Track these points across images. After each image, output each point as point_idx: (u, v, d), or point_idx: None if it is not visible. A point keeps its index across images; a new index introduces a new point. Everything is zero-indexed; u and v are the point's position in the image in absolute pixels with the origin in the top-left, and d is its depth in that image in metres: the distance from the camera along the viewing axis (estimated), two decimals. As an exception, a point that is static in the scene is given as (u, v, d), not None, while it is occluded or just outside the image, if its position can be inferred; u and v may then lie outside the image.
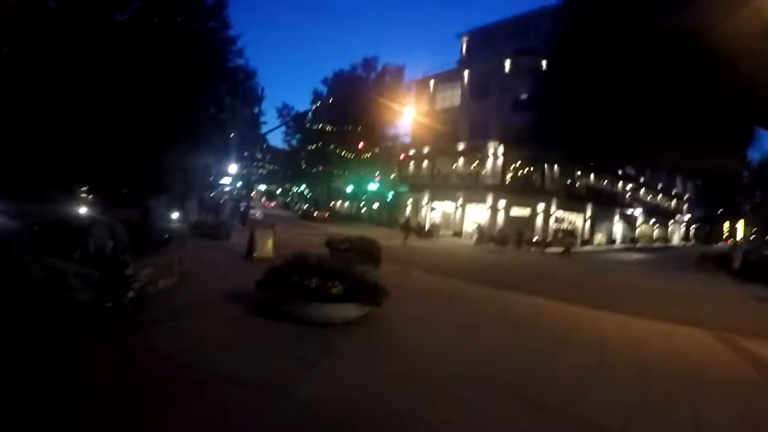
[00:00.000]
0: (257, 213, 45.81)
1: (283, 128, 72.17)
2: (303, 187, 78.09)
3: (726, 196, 65.12)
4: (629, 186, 58.73)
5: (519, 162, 48.20)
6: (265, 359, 6.70)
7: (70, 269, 8.33)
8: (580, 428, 5.40)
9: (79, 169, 29.53)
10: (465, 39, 58.57)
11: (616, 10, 14.86)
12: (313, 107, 70.06)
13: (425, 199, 55.64)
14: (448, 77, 56.19)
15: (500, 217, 47.40)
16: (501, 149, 47.87)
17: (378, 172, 62.61)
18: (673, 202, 72.21)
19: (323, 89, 69.90)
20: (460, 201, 51.29)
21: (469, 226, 49.66)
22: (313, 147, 66.19)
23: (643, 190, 61.85)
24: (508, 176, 48.38)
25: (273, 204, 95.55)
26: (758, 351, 9.76)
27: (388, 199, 62.02)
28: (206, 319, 8.40)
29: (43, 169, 28.00)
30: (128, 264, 8.26)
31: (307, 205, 75.46)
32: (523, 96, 47.92)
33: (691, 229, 77.58)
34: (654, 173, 64.09)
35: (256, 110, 50.15)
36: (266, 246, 16.93)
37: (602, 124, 16.84)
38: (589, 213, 51.15)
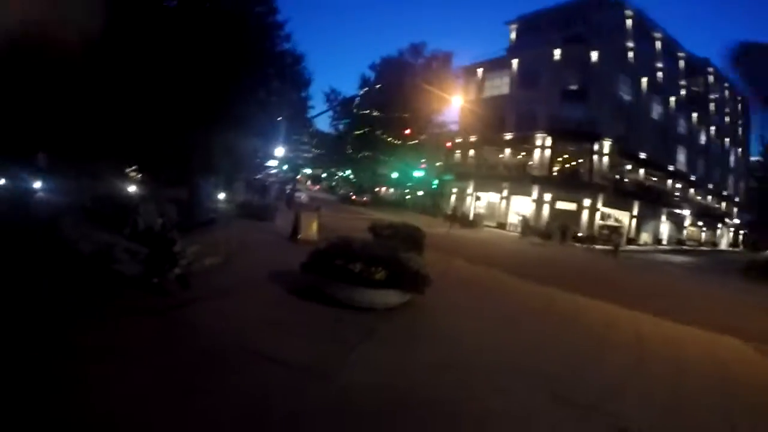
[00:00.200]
0: (302, 196, 46.19)
1: (330, 113, 72.28)
2: (348, 171, 78.26)
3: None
4: (679, 184, 56.63)
5: (566, 154, 47.20)
6: (306, 341, 6.69)
7: (119, 245, 8.51)
8: (612, 428, 5.23)
9: (130, 148, 30.26)
10: (513, 27, 57.63)
11: None
12: (361, 92, 69.98)
13: (470, 189, 55.02)
14: (496, 65, 55.31)
15: (545, 210, 46.50)
16: (548, 140, 46.90)
17: (424, 160, 62.17)
18: (723, 205, 69.21)
19: (371, 75, 69.70)
20: (505, 192, 50.53)
21: (513, 218, 48.90)
22: (360, 132, 66.13)
23: (692, 190, 59.52)
24: (555, 168, 47.39)
25: (318, 188, 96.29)
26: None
27: (433, 187, 61.59)
28: (250, 299, 8.44)
29: (96, 148, 28.80)
30: (175, 241, 8.37)
31: (348, 189, 76.25)
32: (572, 86, 46.97)
33: (739, 234, 74.06)
34: (707, 171, 61.90)
35: (303, 94, 50.46)
36: (311, 228, 16.99)
37: None
38: (636, 211, 49.60)
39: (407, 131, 57.68)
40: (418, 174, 61.39)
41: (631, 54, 49.59)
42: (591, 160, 45.44)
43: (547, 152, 47.15)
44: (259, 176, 47.99)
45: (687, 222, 59.40)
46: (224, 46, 28.33)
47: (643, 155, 48.98)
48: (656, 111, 53.28)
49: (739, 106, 71.39)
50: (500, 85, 54.45)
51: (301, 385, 5.23)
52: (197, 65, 27.19)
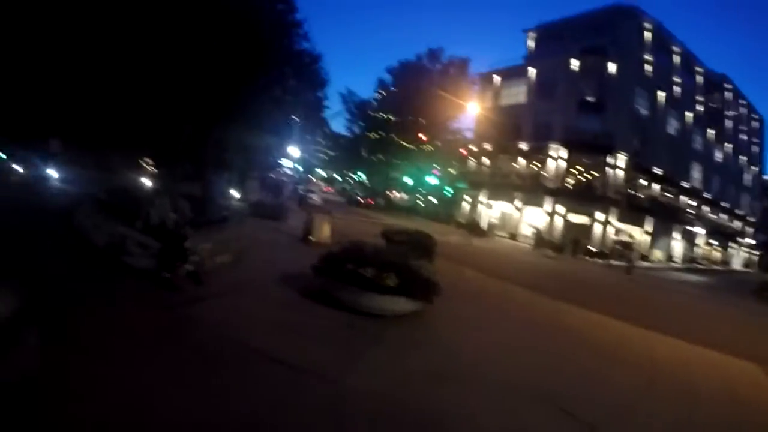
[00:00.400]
0: (315, 197, 46.24)
1: (345, 115, 72.32)
2: (361, 174, 78.32)
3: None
4: (693, 201, 55.95)
5: (581, 166, 46.85)
6: (313, 344, 6.66)
7: (132, 237, 8.54)
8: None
9: (146, 139, 30.48)
10: (532, 35, 57.15)
11: None
12: (377, 95, 70.05)
13: (483, 197, 54.76)
14: (513, 73, 54.88)
15: (558, 222, 46.14)
16: (563, 152, 46.56)
17: (437, 166, 62.07)
18: (737, 224, 68.13)
19: (387, 78, 69.68)
20: (518, 202, 50.18)
21: (525, 229, 48.57)
22: (375, 135, 66.17)
23: (706, 208, 58.67)
24: (569, 180, 47.03)
25: (331, 189, 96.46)
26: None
27: (446, 194, 61.44)
28: (259, 299, 8.42)
29: (112, 141, 29.05)
30: (187, 237, 8.37)
31: (356, 191, 76.50)
32: (589, 97, 46.64)
33: (753, 254, 72.92)
34: (722, 189, 61.18)
35: (319, 94, 50.49)
36: (323, 231, 16.97)
37: None
38: (649, 227, 49.06)
39: (422, 136, 57.60)
40: (431, 180, 61.25)
41: (648, 67, 49.11)
42: (605, 173, 44.95)
43: (562, 164, 46.72)
44: (272, 175, 48.13)
45: (700, 240, 58.69)
46: (242, 42, 28.46)
47: (657, 170, 48.38)
48: (672, 126, 52.69)
49: (757, 124, 70.62)
50: (517, 94, 54.06)
51: (303, 386, 5.21)
52: (215, 60, 27.34)
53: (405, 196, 72.98)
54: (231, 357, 5.67)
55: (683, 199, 53.82)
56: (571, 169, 46.78)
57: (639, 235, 47.99)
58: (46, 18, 22.67)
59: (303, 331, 7.12)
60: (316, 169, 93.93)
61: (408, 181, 65.79)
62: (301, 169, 52.36)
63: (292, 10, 34.40)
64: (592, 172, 46.15)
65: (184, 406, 4.36)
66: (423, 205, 66.50)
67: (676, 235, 53.57)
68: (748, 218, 69.51)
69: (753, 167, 70.74)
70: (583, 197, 45.17)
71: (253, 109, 31.03)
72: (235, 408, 4.49)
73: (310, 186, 62.67)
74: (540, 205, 47.16)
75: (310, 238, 16.59)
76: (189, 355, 5.50)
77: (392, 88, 66.99)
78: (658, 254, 50.59)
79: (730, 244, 66.53)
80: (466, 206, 57.02)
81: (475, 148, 57.26)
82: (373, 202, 63.49)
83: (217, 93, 28.00)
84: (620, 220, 45.47)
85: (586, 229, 44.35)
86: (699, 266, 54.32)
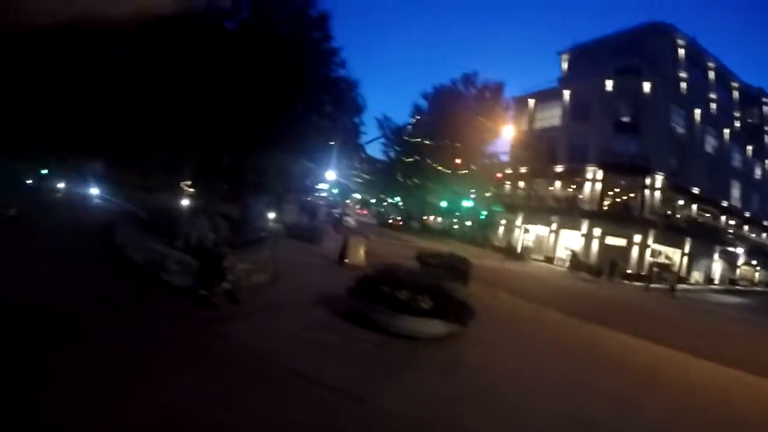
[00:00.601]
0: (350, 220, 46.51)
1: (381, 139, 72.75)
2: (397, 198, 78.55)
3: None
4: (732, 221, 54.17)
5: (617, 188, 46.12)
6: (346, 364, 6.67)
7: (171, 256, 8.72)
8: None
9: (186, 165, 31.23)
10: (565, 57, 57.08)
11: None
12: (412, 120, 70.38)
13: (519, 221, 54.28)
14: (547, 96, 54.76)
15: (594, 245, 45.36)
16: (599, 173, 45.94)
17: (473, 190, 61.89)
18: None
19: (423, 103, 70.04)
20: (554, 225, 49.54)
21: (561, 252, 47.85)
22: (410, 159, 66.45)
23: (746, 227, 56.69)
24: (605, 203, 46.30)
25: (366, 212, 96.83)
26: None
27: (482, 218, 61.14)
28: (293, 318, 8.50)
29: (153, 163, 29.86)
30: (225, 256, 8.51)
31: (388, 214, 77.42)
32: (625, 118, 46.06)
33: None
34: (762, 207, 59.17)
35: (356, 120, 51.03)
36: (358, 253, 17.04)
37: None
38: (687, 248, 47.68)
39: (457, 161, 57.54)
40: (467, 204, 61.07)
41: (684, 84, 48.30)
42: (642, 194, 44.07)
43: (598, 186, 46.04)
44: (309, 198, 48.62)
45: (740, 260, 56.77)
46: (280, 71, 29.08)
47: (695, 190, 47.24)
48: (710, 143, 51.45)
49: None
50: (551, 116, 53.84)
51: (335, 405, 5.22)
52: (254, 87, 27.96)
53: (440, 220, 72.88)
54: (263, 374, 5.72)
55: (723, 218, 52.37)
56: (607, 191, 46.14)
57: (677, 256, 46.84)
58: (93, 43, 23.60)
59: (336, 351, 7.16)
60: (352, 193, 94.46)
61: (443, 204, 65.67)
62: (337, 192, 52.67)
63: (328, 39, 35.02)
64: (629, 193, 45.42)
65: (216, 420, 4.41)
66: (458, 229, 66.24)
67: (716, 256, 52.09)
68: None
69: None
70: (620, 219, 44.42)
71: (290, 135, 31.53)
72: (262, 426, 4.53)
73: (345, 209, 63.16)
74: (576, 227, 46.48)
75: (345, 260, 16.67)
76: (222, 370, 5.58)
77: (427, 113, 67.29)
78: (696, 276, 49.24)
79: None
80: (501, 229, 56.62)
81: (510, 172, 57.01)
82: (402, 223, 64.42)
83: (256, 120, 28.60)
84: (658, 241, 44.47)
85: (624, 252, 43.49)
86: (739, 287, 52.46)
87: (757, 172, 59.15)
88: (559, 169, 49.90)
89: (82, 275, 8.21)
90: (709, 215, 50.46)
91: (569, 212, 47.38)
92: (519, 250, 48.02)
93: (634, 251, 43.59)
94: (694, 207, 48.48)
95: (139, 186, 27.41)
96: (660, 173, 43.84)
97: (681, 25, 48.95)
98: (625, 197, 45.90)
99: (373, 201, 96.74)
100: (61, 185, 22.48)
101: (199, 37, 26.65)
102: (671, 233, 45.09)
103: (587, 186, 46.71)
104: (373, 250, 18.61)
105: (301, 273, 13.28)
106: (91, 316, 6.23)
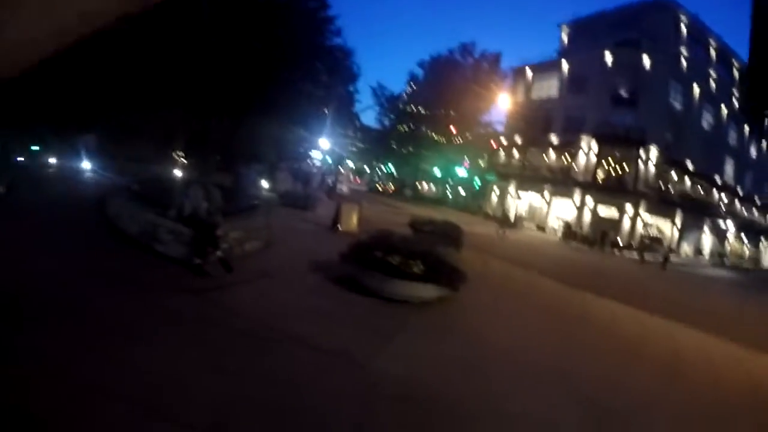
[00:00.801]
0: (343, 188, 46.46)
1: (376, 108, 72.27)
2: (391, 166, 78.44)
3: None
4: (725, 196, 54.36)
5: (611, 159, 46.14)
6: (341, 329, 6.78)
7: (164, 226, 8.75)
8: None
9: (178, 134, 30.99)
10: (565, 29, 56.54)
11: None
12: (408, 89, 69.98)
13: (512, 190, 54.42)
14: (546, 67, 54.29)
15: (587, 215, 45.63)
16: (594, 145, 45.95)
17: (467, 158, 61.87)
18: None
19: (419, 71, 69.61)
20: (548, 195, 49.75)
21: (554, 221, 48.18)
22: (405, 128, 66.24)
23: (738, 203, 56.92)
24: (599, 173, 46.39)
25: (359, 181, 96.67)
26: None
27: (476, 186, 61.24)
28: (287, 284, 8.60)
29: (144, 133, 29.60)
30: (219, 225, 8.54)
31: (376, 179, 79.35)
32: (623, 91, 45.89)
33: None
34: (756, 185, 59.41)
35: (351, 88, 50.61)
36: (351, 220, 17.11)
37: None
38: (678, 221, 48.00)
39: (452, 129, 57.40)
40: (461, 172, 61.08)
41: (683, 60, 48.11)
42: (636, 166, 44.11)
43: (592, 157, 46.07)
44: (302, 166, 48.50)
45: (730, 235, 57.20)
46: (275, 39, 28.71)
47: (689, 164, 47.44)
48: (707, 120, 51.41)
49: None
50: (549, 87, 53.50)
51: (331, 369, 5.33)
52: (247, 55, 27.63)
53: (434, 188, 72.96)
54: (259, 340, 5.80)
55: (715, 193, 52.56)
56: (601, 162, 46.15)
57: (668, 229, 47.16)
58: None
59: (331, 316, 7.27)
60: (346, 161, 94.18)
61: (437, 172, 65.70)
62: (331, 160, 52.54)
63: (324, 7, 34.55)
64: (623, 164, 45.46)
65: (211, 383, 4.51)
66: (451, 197, 66.39)
67: (706, 230, 52.43)
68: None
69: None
70: (613, 190, 44.58)
71: (284, 103, 31.28)
72: (259, 389, 4.61)
73: (338, 177, 63.19)
74: (569, 197, 46.71)
75: (338, 227, 16.75)
76: (217, 337, 5.68)
77: (423, 82, 66.86)
78: (686, 248, 49.62)
79: (761, 240, 64.61)
80: (494, 198, 56.76)
81: (505, 141, 56.92)
82: (391, 190, 65.43)
83: (250, 88, 28.31)
84: (650, 213, 44.73)
85: (615, 222, 43.78)
86: (727, 262, 52.88)
87: (752, 151, 59.24)
88: (554, 139, 49.82)
89: (75, 249, 8.21)
90: (702, 190, 50.61)
91: (563, 182, 47.53)
92: (512, 218, 48.15)
93: (626, 222, 43.88)
94: (688, 181, 48.62)
95: (132, 158, 27.21)
96: (655, 146, 43.87)
97: (684, 2, 48.28)
98: (618, 168, 45.92)
99: (367, 169, 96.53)
100: (53, 161, 22.27)
101: (193, 3, 26.20)
102: (663, 206, 45.31)
103: (581, 157, 46.73)
104: (365, 217, 18.65)
105: (295, 240, 13.36)
106: (85, 290, 6.26)
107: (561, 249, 33.45)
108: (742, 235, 59.04)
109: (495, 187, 57.15)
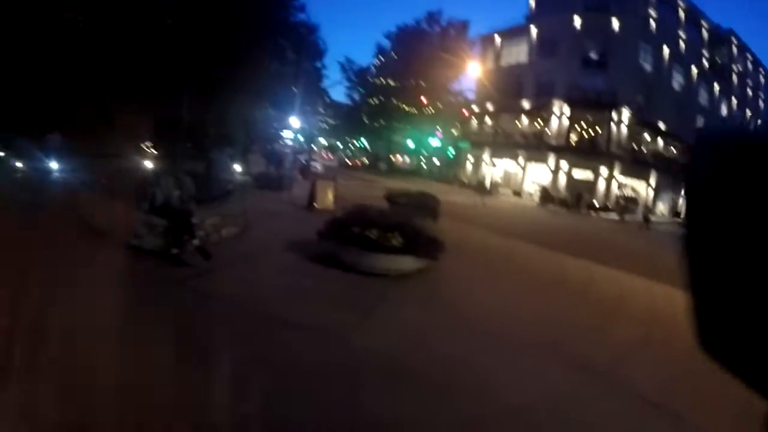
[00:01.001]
0: (317, 165, 46.22)
1: (345, 83, 71.59)
2: (364, 141, 78.09)
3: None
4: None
5: (584, 123, 46.50)
6: (322, 306, 6.85)
7: (137, 219, 8.67)
8: (627, 394, 5.26)
9: (146, 125, 30.47)
10: (534, -6, 56.35)
11: None
12: (376, 61, 69.38)
13: (486, 157, 54.63)
14: (514, 33, 54.08)
15: (562, 178, 46.12)
16: (566, 109, 46.23)
17: (439, 128, 61.82)
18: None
19: (386, 43, 68.88)
20: (522, 160, 50.07)
21: (529, 186, 48.62)
22: (375, 101, 65.82)
23: None
24: (572, 137, 46.77)
25: (333, 157, 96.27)
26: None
27: (449, 155, 61.33)
28: (266, 266, 8.62)
29: (110, 127, 29.01)
30: (193, 213, 8.49)
31: (345, 154, 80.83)
32: (593, 54, 46.10)
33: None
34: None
35: (318, 64, 50.10)
36: (327, 198, 17.12)
37: None
38: (653, 181, 48.80)
39: (423, 99, 57.17)
40: (434, 142, 61.05)
41: (652, 22, 48.34)
42: (609, 129, 44.65)
43: (565, 121, 46.42)
44: (274, 147, 48.11)
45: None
46: (237, 16, 28.20)
47: (662, 125, 48.09)
48: (677, 81, 52.03)
49: (763, 79, 69.42)
50: (518, 53, 53.42)
51: (314, 347, 5.36)
52: (210, 34, 27.12)
53: (408, 159, 72.91)
54: (242, 323, 5.83)
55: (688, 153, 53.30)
56: (574, 126, 46.52)
57: (643, 189, 47.87)
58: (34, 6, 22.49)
59: (312, 294, 7.33)
60: (318, 138, 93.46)
61: (410, 144, 65.60)
62: (303, 139, 52.17)
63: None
64: (595, 127, 45.87)
65: (194, 370, 4.53)
66: (426, 167, 66.47)
67: (681, 191, 53.20)
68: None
69: (758, 121, 69.76)
70: (587, 153, 45.14)
71: (250, 82, 30.91)
72: (243, 372, 4.63)
73: (312, 155, 62.81)
74: (544, 162, 47.11)
75: (315, 205, 16.75)
76: (201, 324, 5.69)
77: (391, 53, 66.29)
78: (662, 208, 50.46)
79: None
80: (469, 166, 56.95)
81: (477, 109, 56.96)
82: (360, 164, 67.46)
83: (214, 71, 27.86)
84: (624, 174, 45.35)
85: (591, 185, 44.37)
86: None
87: (723, 110, 60.11)
88: (525, 104, 49.98)
89: (48, 251, 8.06)
90: (675, 150, 51.29)
91: (536, 147, 47.89)
92: (487, 185, 48.41)
93: (601, 184, 44.46)
94: (660, 141, 49.30)
95: (101, 154, 26.66)
96: (627, 108, 44.29)
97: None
98: (591, 131, 46.32)
99: (340, 145, 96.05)
100: (18, 165, 21.68)
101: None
102: (637, 167, 46.04)
103: (554, 121, 47.05)
104: (341, 194, 18.62)
105: (271, 221, 13.35)
106: (60, 289, 6.17)
107: (539, 213, 33.91)
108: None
109: (469, 156, 57.33)
